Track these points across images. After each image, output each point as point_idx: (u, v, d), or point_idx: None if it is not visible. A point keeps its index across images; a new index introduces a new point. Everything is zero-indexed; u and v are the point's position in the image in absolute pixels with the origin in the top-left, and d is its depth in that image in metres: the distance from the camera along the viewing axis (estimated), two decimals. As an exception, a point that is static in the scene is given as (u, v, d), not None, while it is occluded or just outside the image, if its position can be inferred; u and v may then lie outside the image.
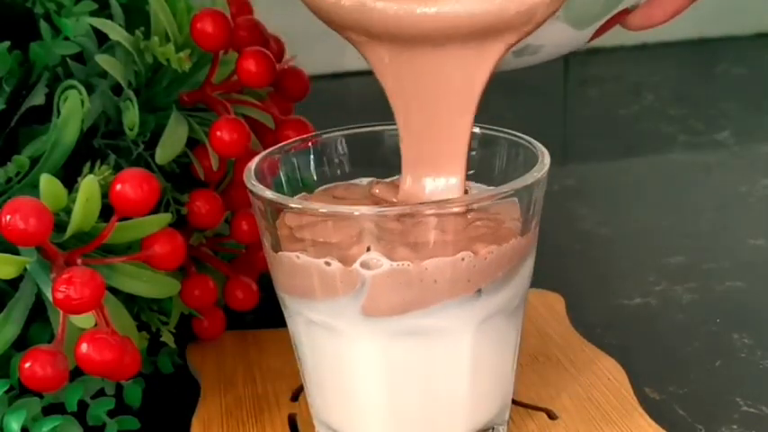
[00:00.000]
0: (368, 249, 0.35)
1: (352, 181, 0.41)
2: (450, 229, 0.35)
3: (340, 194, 0.40)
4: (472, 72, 0.36)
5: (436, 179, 0.38)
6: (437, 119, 0.37)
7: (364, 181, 0.41)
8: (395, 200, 0.39)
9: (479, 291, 0.35)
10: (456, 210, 0.35)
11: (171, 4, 0.45)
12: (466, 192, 0.38)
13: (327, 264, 0.35)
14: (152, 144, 0.44)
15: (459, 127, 0.37)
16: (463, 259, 0.35)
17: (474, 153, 0.41)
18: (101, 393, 0.42)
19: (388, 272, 0.34)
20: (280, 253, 0.37)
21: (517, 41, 0.35)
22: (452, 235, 0.35)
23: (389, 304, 0.35)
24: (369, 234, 0.35)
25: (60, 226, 0.38)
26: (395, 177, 0.40)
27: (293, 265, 0.36)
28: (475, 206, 0.36)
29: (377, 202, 0.39)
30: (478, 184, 0.40)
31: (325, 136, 0.42)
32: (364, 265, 0.34)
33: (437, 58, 0.36)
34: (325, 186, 0.41)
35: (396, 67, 0.37)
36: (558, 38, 0.37)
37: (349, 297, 0.35)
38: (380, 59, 0.37)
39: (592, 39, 0.38)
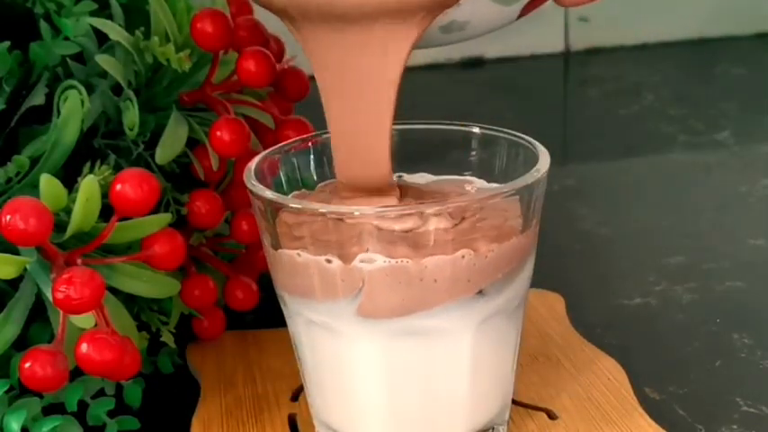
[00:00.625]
0: (367, 249, 0.35)
1: None
2: (450, 227, 0.35)
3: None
4: (391, 48, 0.35)
5: (365, 178, 0.38)
6: (359, 106, 0.37)
7: None
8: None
9: (480, 292, 0.35)
10: (457, 209, 0.35)
11: (171, 4, 0.45)
12: (396, 191, 0.38)
13: (328, 261, 0.35)
14: (152, 144, 0.44)
15: (381, 112, 0.37)
16: (463, 257, 0.35)
17: (474, 153, 0.41)
18: (101, 393, 0.42)
19: (388, 269, 0.34)
20: (280, 251, 0.37)
21: (437, 14, 0.34)
22: (453, 234, 0.35)
23: (389, 305, 0.35)
24: (368, 233, 0.35)
25: (60, 226, 0.38)
26: (397, 174, 0.41)
27: (294, 264, 0.36)
28: (475, 205, 0.36)
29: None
30: (481, 180, 0.40)
31: (325, 136, 0.42)
32: (364, 263, 0.34)
33: (355, 34, 0.35)
34: (325, 182, 0.41)
35: (317, 45, 0.36)
36: (483, 13, 0.36)
37: (349, 298, 0.35)
38: (304, 39, 0.36)
39: (521, 15, 0.37)
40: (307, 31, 0.36)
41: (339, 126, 0.38)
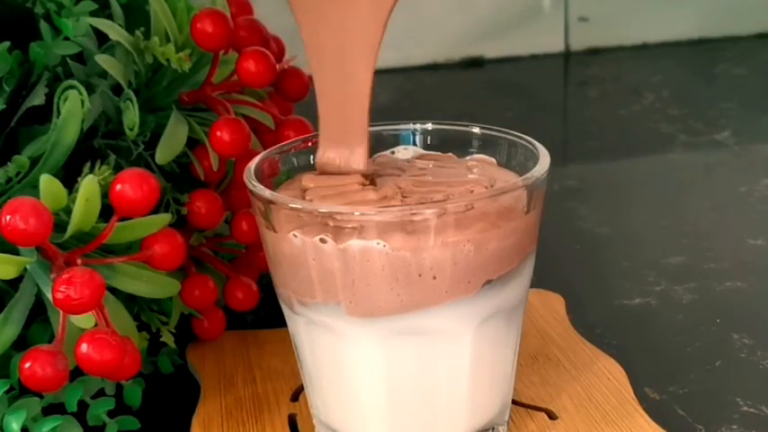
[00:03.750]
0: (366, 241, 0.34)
1: None
2: (450, 226, 0.35)
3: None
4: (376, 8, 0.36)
5: (343, 147, 0.39)
6: (343, 72, 0.38)
7: None
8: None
9: (480, 290, 0.35)
10: (457, 208, 0.35)
11: (171, 4, 0.45)
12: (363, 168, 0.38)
13: (323, 240, 0.35)
14: (152, 144, 0.44)
15: (361, 79, 0.37)
16: (464, 246, 0.35)
17: (474, 152, 0.41)
18: (101, 393, 0.42)
19: (387, 263, 0.34)
20: (278, 235, 0.36)
21: None
22: (453, 232, 0.35)
23: (388, 302, 0.35)
24: (367, 228, 0.34)
25: (60, 226, 0.38)
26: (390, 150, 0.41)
27: (291, 249, 0.36)
28: (476, 204, 0.36)
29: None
30: (488, 158, 0.40)
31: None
32: (360, 247, 0.34)
33: None
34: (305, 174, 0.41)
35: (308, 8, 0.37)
36: None
37: (346, 292, 0.35)
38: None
39: None
40: None
41: (323, 85, 0.39)
